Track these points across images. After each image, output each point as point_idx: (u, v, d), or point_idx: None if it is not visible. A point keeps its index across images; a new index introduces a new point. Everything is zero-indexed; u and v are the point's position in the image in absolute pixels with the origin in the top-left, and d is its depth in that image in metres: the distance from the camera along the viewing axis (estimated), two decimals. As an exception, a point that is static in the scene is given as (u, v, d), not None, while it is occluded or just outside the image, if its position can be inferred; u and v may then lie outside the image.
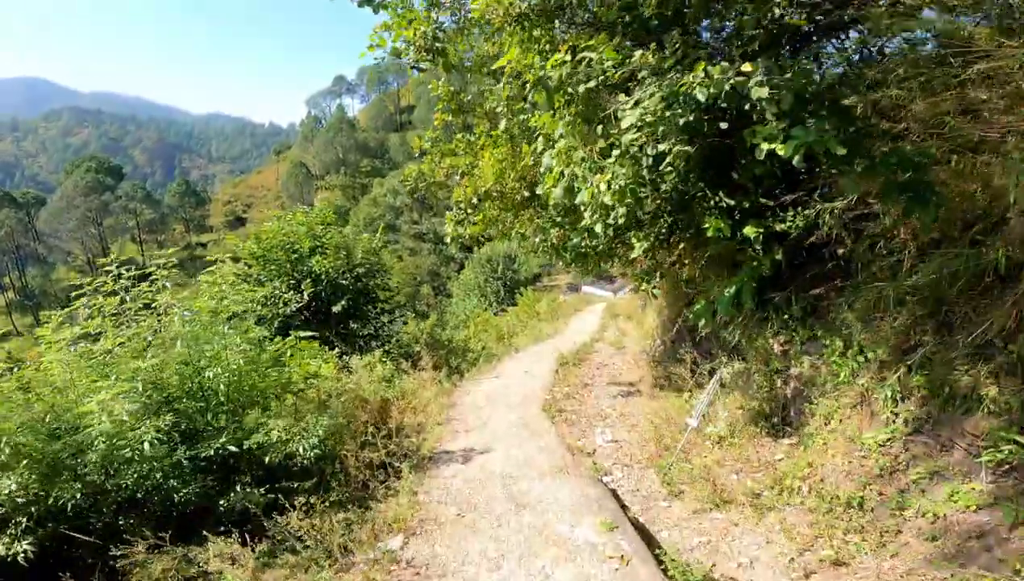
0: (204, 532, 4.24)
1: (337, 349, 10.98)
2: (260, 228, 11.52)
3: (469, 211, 8.71)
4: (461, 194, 8.68)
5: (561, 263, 9.66)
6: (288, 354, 6.68)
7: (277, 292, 10.92)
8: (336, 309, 10.76)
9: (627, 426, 7.88)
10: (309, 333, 6.84)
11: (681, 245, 6.41)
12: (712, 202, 5.22)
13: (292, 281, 10.82)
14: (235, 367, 5.21)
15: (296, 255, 10.98)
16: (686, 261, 6.60)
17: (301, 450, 4.99)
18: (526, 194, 8.06)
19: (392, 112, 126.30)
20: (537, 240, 8.15)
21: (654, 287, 8.59)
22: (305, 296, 10.71)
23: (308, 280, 10.69)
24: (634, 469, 6.18)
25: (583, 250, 7.25)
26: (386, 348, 12.47)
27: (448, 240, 9.15)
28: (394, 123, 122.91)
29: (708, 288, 6.19)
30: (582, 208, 5.38)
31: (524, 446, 6.77)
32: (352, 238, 12.39)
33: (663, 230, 6.10)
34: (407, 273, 53.84)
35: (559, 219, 7.19)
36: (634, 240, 5.87)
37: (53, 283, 77.43)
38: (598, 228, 5.32)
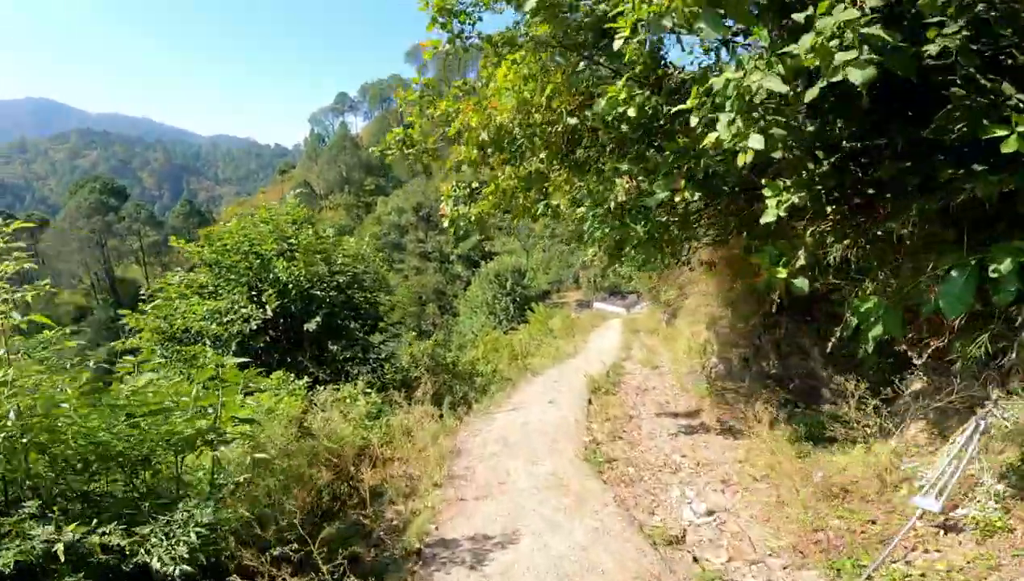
0: None
1: (311, 376, 8.69)
2: (212, 228, 9.32)
3: (474, 182, 6.45)
4: (463, 153, 6.39)
5: (598, 260, 7.41)
6: (199, 390, 4.34)
7: (236, 306, 8.68)
8: (310, 326, 8.47)
9: (716, 482, 5.50)
10: (243, 359, 4.50)
11: (855, 200, 4.02)
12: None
13: (254, 293, 8.57)
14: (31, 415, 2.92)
15: (259, 260, 8.73)
16: (847, 230, 4.12)
17: (158, 563, 2.67)
18: (570, 123, 5.54)
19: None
20: (583, 208, 5.68)
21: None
22: (268, 310, 8.45)
23: (272, 291, 8.43)
24: (778, 575, 3.73)
25: (660, 222, 4.94)
26: (376, 374, 10.16)
27: (446, 224, 6.85)
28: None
29: (899, 278, 3.71)
30: (717, 103, 3.09)
31: (569, 528, 4.40)
32: (332, 240, 10.15)
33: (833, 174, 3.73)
34: (412, 292, 51.72)
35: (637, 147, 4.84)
36: (768, 192, 3.49)
37: (56, 307, 75.77)
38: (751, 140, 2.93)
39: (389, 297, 11.54)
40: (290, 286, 8.58)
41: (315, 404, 7.88)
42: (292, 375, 8.72)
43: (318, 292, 8.83)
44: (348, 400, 8.03)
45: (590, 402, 9.21)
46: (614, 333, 23.60)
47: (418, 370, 12.16)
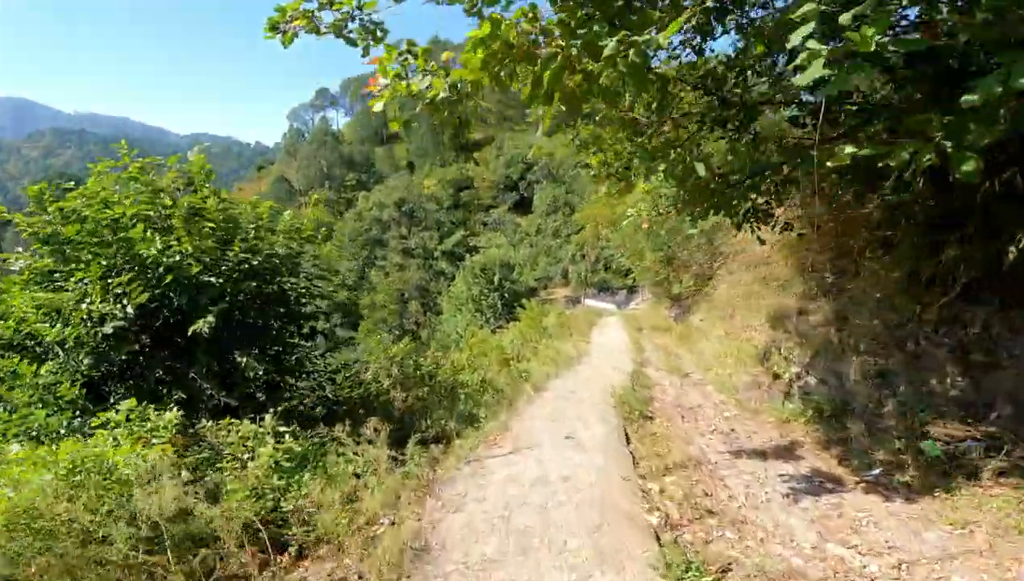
0: None
1: (210, 403, 5.65)
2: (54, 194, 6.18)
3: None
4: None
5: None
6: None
7: (88, 301, 5.56)
8: (198, 328, 5.33)
9: None
10: None
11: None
12: None
13: (110, 281, 5.45)
14: None
15: (115, 233, 5.60)
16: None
17: None
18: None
19: (377, 125, 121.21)
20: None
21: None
22: (129, 309, 5.33)
23: (130, 277, 5.33)
24: None
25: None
26: (314, 398, 7.09)
27: (378, 106, 3.55)
28: (380, 137, 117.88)
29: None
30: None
31: None
32: (245, 207, 7.04)
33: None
34: (394, 289, 48.33)
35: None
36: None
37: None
38: None
39: (336, 290, 8.39)
40: (162, 270, 5.42)
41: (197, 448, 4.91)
42: (174, 402, 5.68)
43: (212, 279, 5.67)
44: (250, 442, 5.00)
45: (628, 437, 6.18)
46: (617, 331, 20.66)
47: (387, 383, 9.15)
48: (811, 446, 5.63)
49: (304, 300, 7.33)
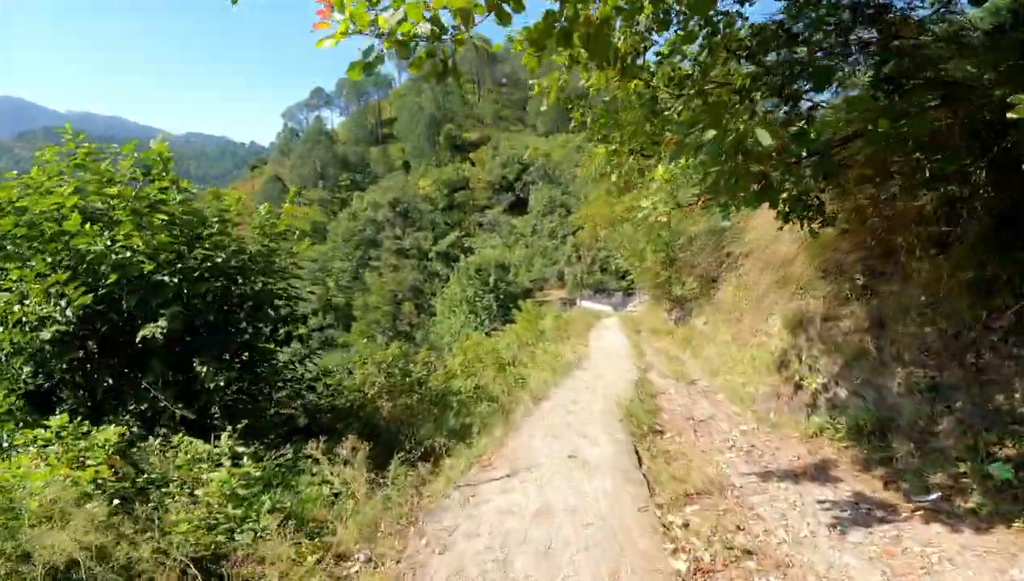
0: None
1: (166, 418, 4.97)
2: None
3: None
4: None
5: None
6: None
7: (29, 302, 4.87)
8: (148, 333, 4.63)
9: None
10: None
11: None
12: None
13: (55, 282, 4.75)
14: None
15: (50, 226, 4.91)
16: None
17: None
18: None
19: (372, 125, 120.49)
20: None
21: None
22: (68, 312, 4.64)
23: (77, 278, 4.64)
24: None
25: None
26: (279, 412, 6.41)
27: (329, 42, 2.81)
28: (375, 136, 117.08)
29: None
30: None
31: None
32: (210, 199, 6.37)
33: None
34: (387, 290, 47.54)
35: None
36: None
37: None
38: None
39: (326, 290, 7.68)
40: (105, 268, 4.71)
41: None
42: (132, 416, 5.04)
43: (166, 278, 4.96)
44: (204, 464, 4.33)
45: (639, 456, 5.51)
46: (615, 334, 20.03)
47: (369, 394, 8.48)
48: (847, 466, 4.98)
49: (280, 302, 6.63)
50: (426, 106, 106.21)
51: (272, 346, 6.58)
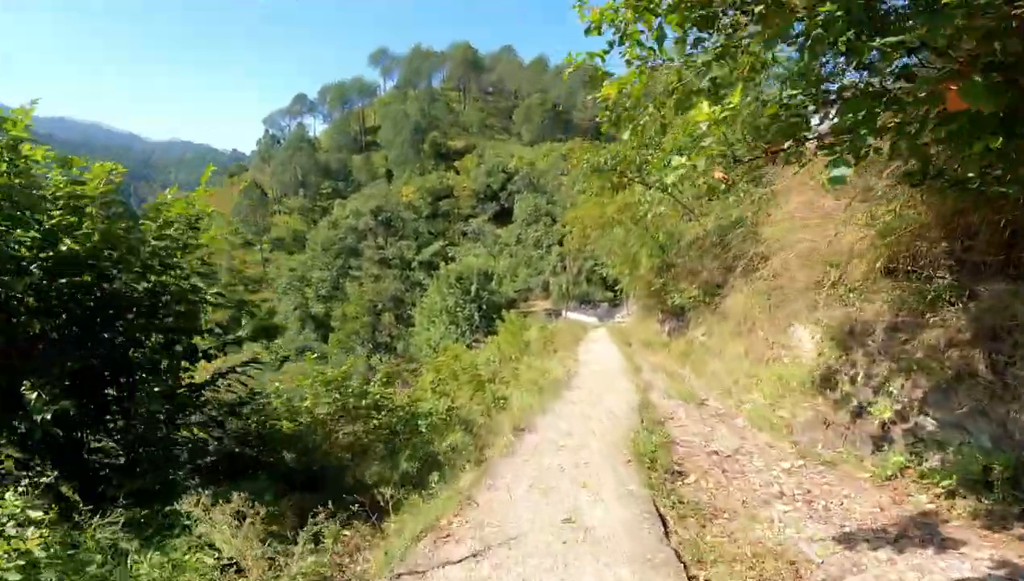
0: None
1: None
2: None
3: None
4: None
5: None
6: None
7: None
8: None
9: None
10: None
11: None
12: None
13: None
14: None
15: None
16: None
17: None
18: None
19: (356, 132, 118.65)
20: None
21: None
22: None
23: None
24: None
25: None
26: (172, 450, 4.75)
27: None
28: (358, 144, 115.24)
29: None
30: None
31: None
32: (55, 172, 4.75)
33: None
34: (366, 300, 45.64)
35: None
36: None
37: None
38: None
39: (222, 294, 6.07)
40: None
41: None
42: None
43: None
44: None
45: (663, 522, 3.93)
46: (605, 347, 18.54)
47: (313, 421, 6.89)
48: (964, 522, 3.51)
49: (178, 306, 4.99)
50: (411, 114, 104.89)
51: (170, 360, 4.94)
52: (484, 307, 25.79)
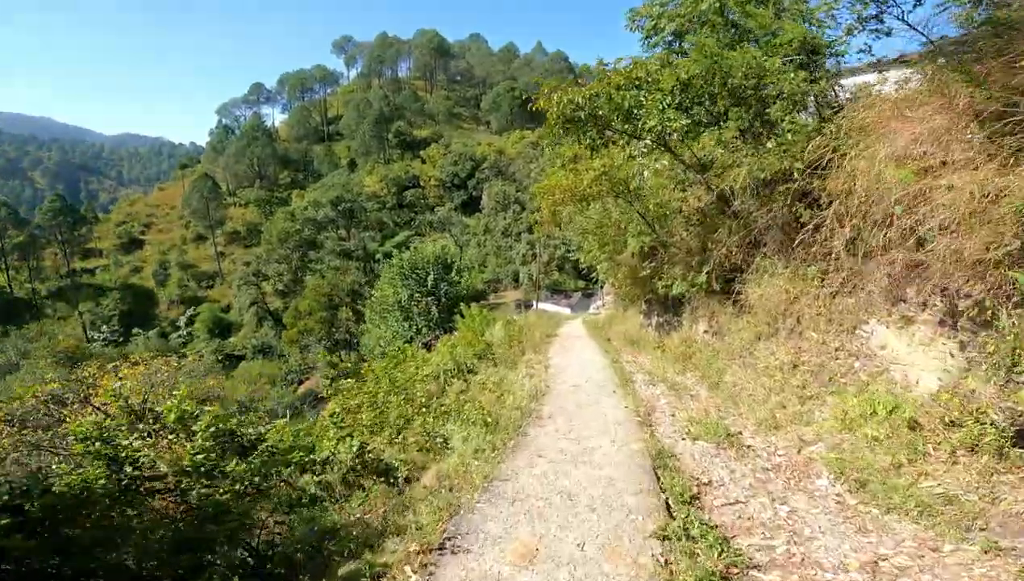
0: None
1: None
2: None
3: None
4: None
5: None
6: None
7: None
8: None
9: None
10: None
11: None
12: None
13: None
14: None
15: None
16: None
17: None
18: None
19: (318, 122, 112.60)
20: None
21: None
22: None
23: None
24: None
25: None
26: None
27: None
28: (319, 134, 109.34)
29: None
30: None
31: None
32: None
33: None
34: (322, 294, 41.52)
35: None
36: None
37: None
38: None
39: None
40: None
41: None
42: None
43: None
44: None
45: None
46: (582, 346, 15.36)
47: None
48: None
49: None
50: (375, 102, 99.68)
51: None
52: (443, 299, 22.37)
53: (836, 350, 6.13)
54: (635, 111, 8.32)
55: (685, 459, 5.34)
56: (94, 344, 39.08)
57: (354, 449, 5.98)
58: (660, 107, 7.76)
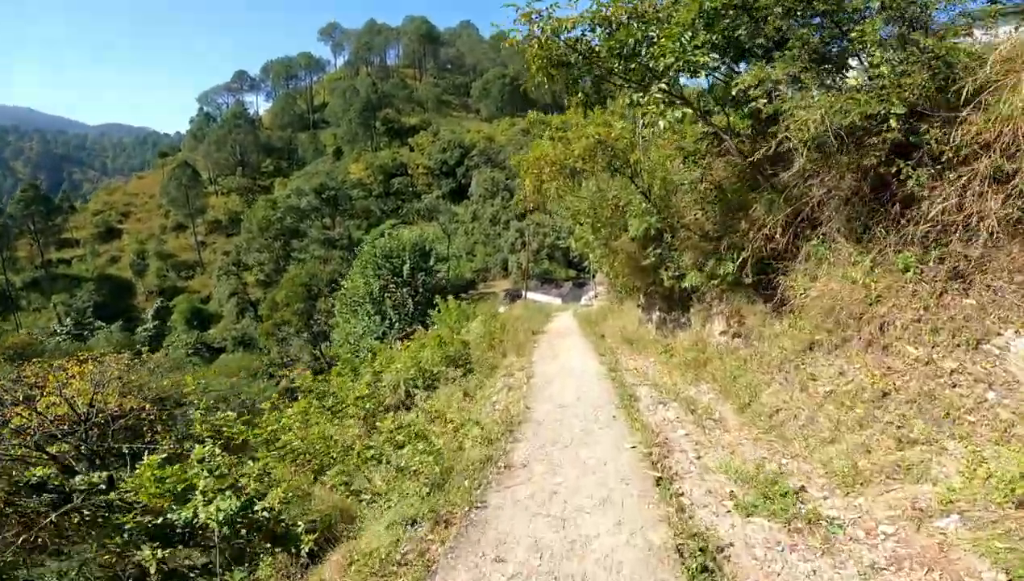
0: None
1: None
2: None
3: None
4: None
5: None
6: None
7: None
8: None
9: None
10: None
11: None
12: None
13: None
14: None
15: None
16: None
17: None
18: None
19: (303, 109, 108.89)
20: None
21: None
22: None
23: None
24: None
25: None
26: None
27: None
28: (305, 122, 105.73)
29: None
30: None
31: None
32: None
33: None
34: (299, 284, 39.05)
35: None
36: None
37: None
38: None
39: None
40: None
41: None
42: None
43: None
44: None
45: None
46: (573, 345, 13.23)
47: None
48: None
49: None
50: (362, 89, 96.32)
51: None
52: (420, 290, 20.17)
53: (952, 373, 4.07)
54: (643, 51, 6.15)
55: (740, 558, 3.24)
56: (55, 339, 36.47)
57: (233, 509, 3.89)
58: (677, 42, 5.59)
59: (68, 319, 52.86)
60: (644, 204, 9.47)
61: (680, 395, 7.37)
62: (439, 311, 15.20)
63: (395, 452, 5.06)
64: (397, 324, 18.68)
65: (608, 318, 16.97)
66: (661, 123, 5.63)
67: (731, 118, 6.75)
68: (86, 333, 46.40)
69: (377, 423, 7.59)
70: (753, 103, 5.58)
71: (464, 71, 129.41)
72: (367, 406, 7.57)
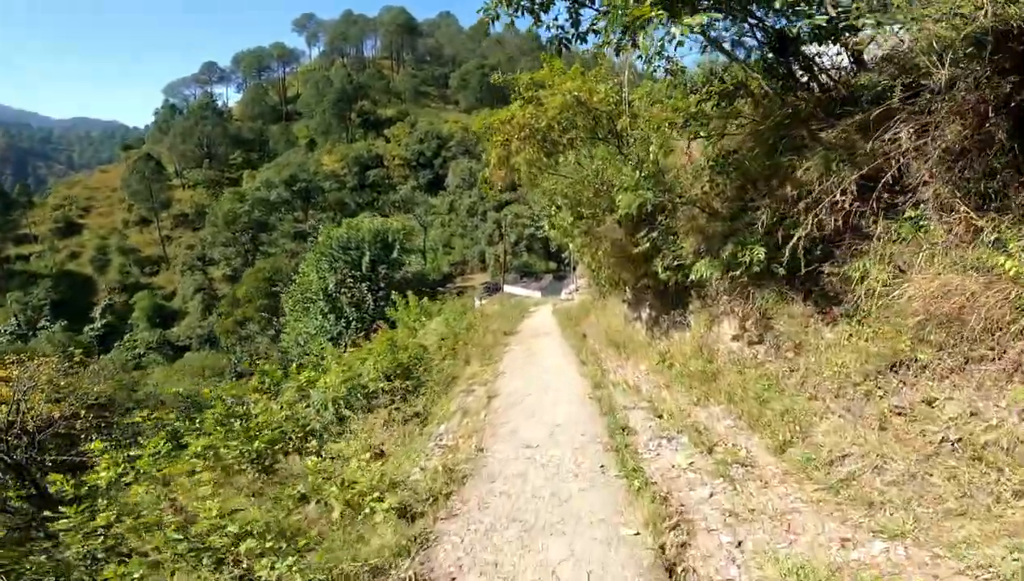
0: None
1: None
2: None
3: None
4: None
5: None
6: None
7: None
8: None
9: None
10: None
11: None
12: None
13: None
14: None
15: None
16: None
17: None
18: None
19: (275, 101, 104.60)
20: None
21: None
22: None
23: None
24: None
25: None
26: None
27: None
28: (278, 114, 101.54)
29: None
30: None
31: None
32: None
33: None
34: (261, 278, 36.36)
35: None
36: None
37: None
38: None
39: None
40: None
41: None
42: None
43: None
44: None
45: None
46: (550, 350, 11.22)
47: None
48: None
49: None
50: (335, 80, 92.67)
51: None
52: (383, 286, 17.99)
53: None
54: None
55: None
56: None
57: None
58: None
59: (20, 317, 49.29)
60: (636, 174, 7.41)
61: (688, 423, 5.42)
62: (401, 310, 13.07)
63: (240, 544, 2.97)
64: (355, 323, 16.53)
65: (590, 315, 14.96)
66: (674, 39, 3.59)
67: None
68: (30, 333, 43.09)
69: (281, 465, 5.52)
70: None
71: (443, 62, 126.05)
72: (271, 439, 5.48)
